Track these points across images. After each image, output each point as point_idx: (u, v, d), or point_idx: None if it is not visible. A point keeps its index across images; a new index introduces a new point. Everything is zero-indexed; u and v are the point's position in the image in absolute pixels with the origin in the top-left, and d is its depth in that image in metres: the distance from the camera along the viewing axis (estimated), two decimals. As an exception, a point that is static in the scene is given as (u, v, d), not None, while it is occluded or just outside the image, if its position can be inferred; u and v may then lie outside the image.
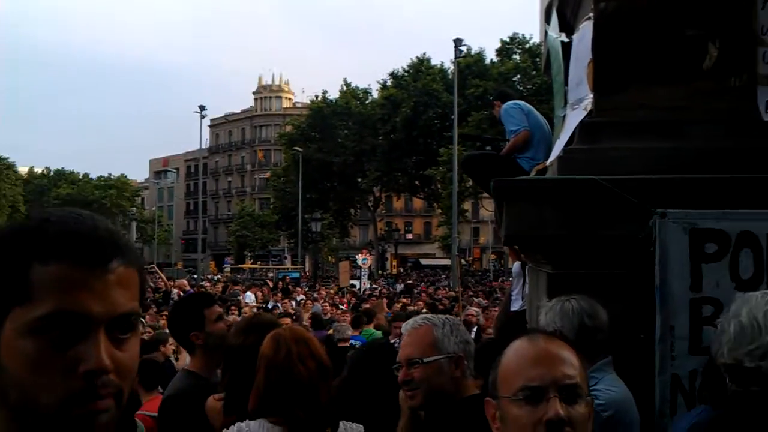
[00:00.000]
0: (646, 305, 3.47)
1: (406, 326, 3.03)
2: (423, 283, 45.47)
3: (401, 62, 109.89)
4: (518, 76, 53.65)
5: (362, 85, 68.21)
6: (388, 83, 62.88)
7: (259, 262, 74.86)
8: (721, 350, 2.53)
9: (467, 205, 61.66)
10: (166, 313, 11.35)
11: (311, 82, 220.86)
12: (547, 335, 1.93)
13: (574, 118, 4.29)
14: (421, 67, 60.92)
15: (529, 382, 1.77)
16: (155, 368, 6.50)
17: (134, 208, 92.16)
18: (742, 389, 2.46)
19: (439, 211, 62.02)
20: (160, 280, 21.30)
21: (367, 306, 15.79)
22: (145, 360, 6.23)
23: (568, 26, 5.12)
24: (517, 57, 56.71)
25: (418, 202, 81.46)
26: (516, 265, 6.91)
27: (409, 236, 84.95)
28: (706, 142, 3.79)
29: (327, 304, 21.11)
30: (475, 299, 22.18)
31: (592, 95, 4.06)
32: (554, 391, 1.74)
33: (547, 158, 5.35)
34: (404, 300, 21.73)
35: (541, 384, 1.75)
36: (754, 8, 3.89)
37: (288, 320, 10.33)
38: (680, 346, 3.45)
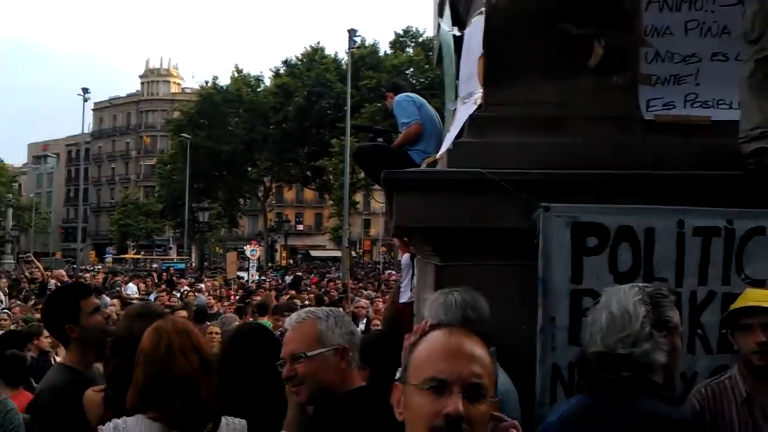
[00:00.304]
0: (530, 297, 3.54)
1: (289, 321, 2.97)
2: (313, 275, 45.36)
3: (295, 50, 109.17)
4: (411, 69, 54.17)
5: (254, 72, 67.34)
6: (281, 71, 62.27)
7: (142, 253, 72.78)
8: (593, 339, 2.65)
9: (359, 197, 61.92)
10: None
11: (201, 67, 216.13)
12: (466, 331, 1.94)
13: (464, 111, 4.34)
14: (314, 56, 60.60)
15: (436, 373, 1.78)
16: (19, 364, 6.18)
17: (10, 195, 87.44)
18: (614, 376, 2.58)
19: (331, 202, 62.00)
20: (37, 270, 20.33)
21: (258, 298, 15.59)
22: (8, 355, 5.94)
23: (460, 20, 5.17)
24: (410, 50, 57.31)
25: (309, 193, 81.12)
26: (405, 257, 6.94)
27: (300, 227, 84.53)
28: (589, 139, 3.90)
29: (211, 297, 20.65)
30: (364, 291, 22.29)
31: (482, 89, 4.11)
32: (459, 387, 1.75)
33: (437, 151, 5.39)
34: (292, 292, 21.58)
35: (448, 378, 1.76)
36: (639, 9, 4.03)
37: (184, 313, 10.09)
38: (560, 337, 3.54)
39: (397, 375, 2.99)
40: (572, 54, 4.03)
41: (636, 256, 3.57)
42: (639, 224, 3.57)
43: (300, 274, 44.14)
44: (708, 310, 3.62)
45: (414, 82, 48.27)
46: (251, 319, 11.05)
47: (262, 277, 38.97)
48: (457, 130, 4.27)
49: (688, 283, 3.60)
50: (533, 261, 3.54)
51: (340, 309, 5.23)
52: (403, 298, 6.55)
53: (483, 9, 4.16)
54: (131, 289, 23.50)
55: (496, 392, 1.86)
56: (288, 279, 37.72)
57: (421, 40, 56.40)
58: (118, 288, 22.57)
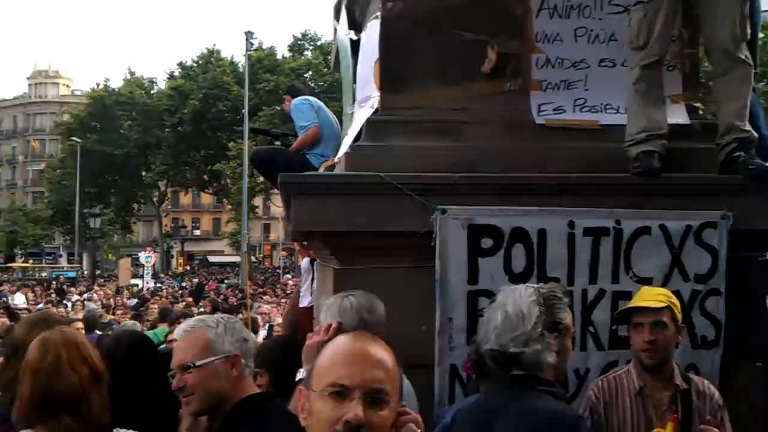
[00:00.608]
0: (429, 298, 3.57)
1: (178, 331, 2.91)
2: (211, 281, 44.52)
3: (190, 53, 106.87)
4: (310, 72, 53.96)
5: (148, 75, 65.55)
6: (176, 74, 60.89)
7: (31, 261, 69.71)
8: (487, 337, 2.70)
9: (258, 201, 61.21)
10: None
11: (92, 69, 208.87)
12: (372, 335, 1.92)
13: (361, 115, 4.34)
14: (210, 58, 59.51)
15: (338, 379, 1.75)
16: None
17: None
18: (505, 374, 2.64)
19: (229, 207, 60.93)
20: None
21: (154, 306, 15.17)
22: None
23: (356, 24, 5.18)
24: (309, 53, 57.12)
25: (206, 198, 79.47)
26: (305, 261, 6.88)
27: (197, 233, 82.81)
28: (484, 143, 3.97)
29: (101, 306, 19.87)
30: (264, 297, 22.04)
31: (378, 93, 4.12)
32: (360, 392, 1.73)
33: (336, 155, 5.38)
34: (189, 299, 21.10)
35: (349, 383, 1.74)
36: (530, 16, 4.13)
37: (80, 324, 9.69)
38: (458, 338, 3.59)
39: (297, 377, 2.98)
40: (467, 59, 4.10)
41: (529, 256, 3.66)
42: (532, 226, 3.66)
43: (196, 280, 43.22)
44: (599, 307, 3.74)
45: (312, 85, 48.09)
46: (161, 326, 10.75)
47: (158, 285, 38.00)
48: (355, 134, 4.27)
49: (579, 282, 3.72)
50: (431, 263, 3.57)
51: (236, 316, 5.14)
52: (303, 303, 6.50)
53: (379, 13, 4.17)
54: (19, 299, 22.44)
55: (401, 397, 1.85)
56: (185, 286, 36.91)
57: (319, 43, 56.31)
58: (4, 298, 21.54)
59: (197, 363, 2.74)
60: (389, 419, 1.78)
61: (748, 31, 4.04)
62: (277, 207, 42.25)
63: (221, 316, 3.04)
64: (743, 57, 3.98)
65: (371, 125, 4.06)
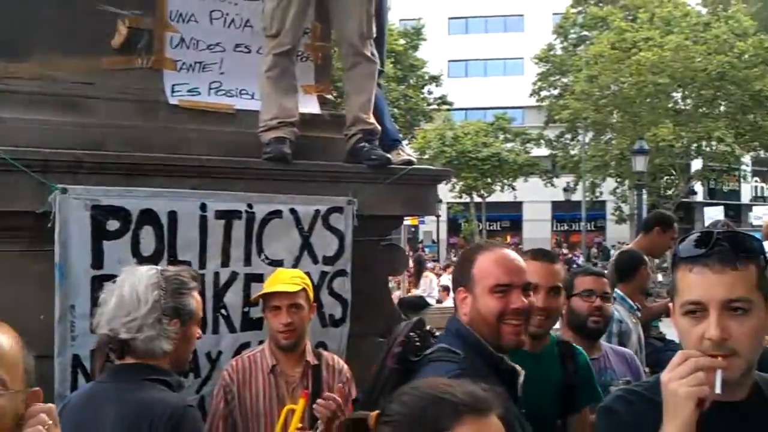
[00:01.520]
0: (48, 284, 3.31)
1: None
2: None
3: None
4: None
5: None
6: None
7: None
8: (100, 322, 2.56)
9: None
10: None
11: None
12: None
13: (-27, 84, 3.89)
14: None
15: None
16: None
17: None
18: (119, 361, 2.53)
19: None
20: None
21: None
22: None
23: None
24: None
25: None
26: None
27: None
28: (111, 120, 3.78)
29: None
30: None
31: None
32: None
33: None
34: None
35: None
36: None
37: None
38: (81, 325, 3.37)
39: None
40: (95, 31, 3.87)
41: (159, 239, 3.56)
42: (162, 208, 3.56)
43: None
44: (231, 290, 3.77)
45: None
46: None
47: None
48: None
49: (211, 265, 3.70)
50: (50, 246, 3.31)
51: None
52: None
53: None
54: None
55: (29, 385, 1.67)
56: None
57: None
58: None
59: None
60: (9, 408, 1.61)
61: (374, 30, 4.32)
62: None
63: None
64: (369, 54, 4.25)
65: (-19, 95, 3.64)
